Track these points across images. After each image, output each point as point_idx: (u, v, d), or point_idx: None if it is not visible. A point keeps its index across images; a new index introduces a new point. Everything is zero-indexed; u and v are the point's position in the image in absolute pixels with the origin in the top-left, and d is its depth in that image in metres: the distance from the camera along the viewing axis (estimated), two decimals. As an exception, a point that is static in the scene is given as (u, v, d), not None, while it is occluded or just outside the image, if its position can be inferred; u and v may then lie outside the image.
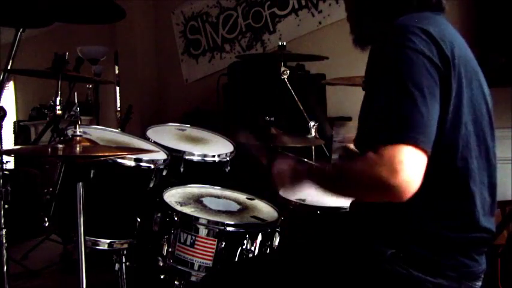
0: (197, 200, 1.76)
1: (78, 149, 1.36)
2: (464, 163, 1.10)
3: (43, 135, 2.81)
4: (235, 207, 1.77)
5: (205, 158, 2.04)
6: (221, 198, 1.84)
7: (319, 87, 3.25)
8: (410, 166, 0.97)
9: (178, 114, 4.00)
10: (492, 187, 1.17)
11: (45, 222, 1.77)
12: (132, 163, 1.72)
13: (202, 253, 1.56)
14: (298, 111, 2.45)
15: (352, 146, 1.47)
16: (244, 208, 1.78)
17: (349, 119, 3.36)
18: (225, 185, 1.95)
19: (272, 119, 2.18)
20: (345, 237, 1.23)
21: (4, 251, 1.82)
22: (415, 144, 0.99)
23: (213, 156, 2.06)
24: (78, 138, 1.40)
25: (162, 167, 1.82)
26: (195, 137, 2.25)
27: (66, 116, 2.28)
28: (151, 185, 1.78)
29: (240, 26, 4.13)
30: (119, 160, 1.69)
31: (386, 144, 0.99)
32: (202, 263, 1.56)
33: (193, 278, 1.56)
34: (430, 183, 1.08)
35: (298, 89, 2.48)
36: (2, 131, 1.93)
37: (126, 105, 3.94)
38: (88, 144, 1.41)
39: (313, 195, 1.89)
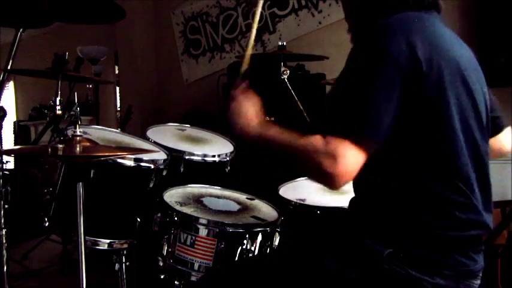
0: (197, 200, 1.76)
1: (78, 149, 1.36)
2: (453, 159, 1.11)
3: (43, 135, 2.81)
4: (235, 207, 1.77)
5: (205, 158, 2.04)
6: (221, 198, 1.84)
7: (319, 87, 3.25)
8: (349, 161, 1.04)
9: (178, 114, 4.00)
10: (484, 183, 1.17)
11: (45, 222, 1.77)
12: (132, 163, 1.72)
13: (202, 253, 1.56)
14: (298, 111, 2.45)
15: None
16: (244, 208, 1.78)
17: (349, 119, 3.36)
18: (225, 185, 1.95)
19: (272, 119, 2.18)
20: (344, 237, 1.23)
21: (4, 251, 1.82)
22: (359, 141, 1.05)
23: (213, 156, 2.06)
24: (78, 138, 1.40)
25: (162, 167, 1.82)
26: (195, 137, 2.26)
27: (66, 116, 2.28)
28: (151, 185, 1.78)
29: (240, 26, 4.13)
30: (119, 160, 1.69)
31: (333, 134, 1.06)
32: (202, 263, 1.56)
33: (193, 278, 1.56)
34: (424, 181, 1.08)
35: (298, 89, 2.47)
36: (2, 131, 1.93)
37: (126, 105, 3.95)
38: (88, 144, 1.41)
39: (313, 195, 1.89)
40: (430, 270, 1.10)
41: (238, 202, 1.82)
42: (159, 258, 1.64)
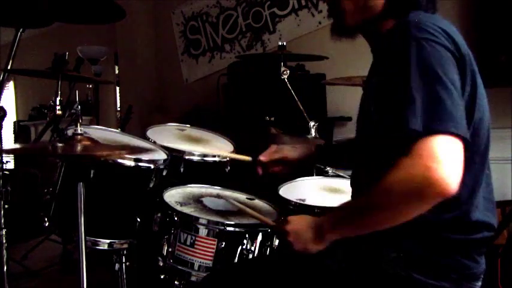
0: (197, 200, 1.76)
1: (78, 147, 1.36)
2: (467, 158, 1.10)
3: (43, 135, 2.80)
4: (235, 207, 1.77)
5: (205, 158, 2.04)
6: (221, 198, 1.84)
7: (319, 87, 3.25)
8: (453, 156, 0.94)
9: (178, 114, 4.00)
10: (487, 183, 1.17)
11: (45, 222, 1.76)
12: (132, 163, 1.72)
13: (202, 253, 1.56)
14: (298, 111, 2.45)
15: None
16: (247, 208, 1.77)
17: (349, 119, 3.36)
18: (225, 185, 1.95)
19: (272, 119, 2.19)
20: (345, 239, 1.22)
21: (4, 251, 1.82)
22: (456, 133, 0.96)
23: (213, 156, 2.06)
24: (78, 137, 1.40)
25: (162, 167, 1.82)
26: (195, 137, 2.25)
27: (66, 115, 2.28)
28: (151, 185, 1.78)
29: (240, 26, 4.13)
30: (119, 160, 1.69)
31: (423, 138, 0.95)
32: (202, 263, 1.56)
33: (193, 278, 1.56)
34: None
35: (298, 89, 2.47)
36: (2, 131, 1.93)
37: (126, 105, 3.94)
38: (89, 143, 1.41)
39: (313, 195, 1.89)
40: (433, 273, 1.10)
41: (238, 202, 1.82)
42: (159, 258, 1.63)
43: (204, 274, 1.53)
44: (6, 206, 1.84)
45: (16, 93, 7.56)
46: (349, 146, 1.59)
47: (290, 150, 1.66)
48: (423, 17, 1.11)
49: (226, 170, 2.10)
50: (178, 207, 1.65)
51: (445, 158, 0.93)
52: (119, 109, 5.43)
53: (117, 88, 5.37)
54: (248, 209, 1.51)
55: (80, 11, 1.93)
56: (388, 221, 1.03)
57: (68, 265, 2.93)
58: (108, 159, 1.68)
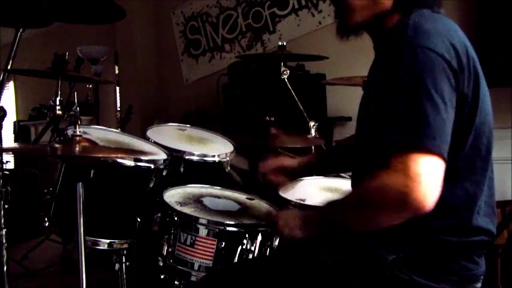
0: (197, 200, 1.76)
1: (78, 148, 1.36)
2: (467, 164, 1.10)
3: (43, 135, 2.80)
4: (235, 207, 1.77)
5: (205, 158, 2.04)
6: (221, 198, 1.84)
7: (319, 87, 3.25)
8: (431, 175, 0.94)
9: (178, 114, 4.00)
10: (492, 188, 1.17)
11: (45, 222, 1.76)
12: (132, 163, 1.72)
13: (202, 253, 1.56)
14: (298, 111, 2.45)
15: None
16: (244, 208, 1.77)
17: (349, 119, 3.37)
18: (225, 185, 1.95)
19: (272, 119, 2.18)
20: (345, 240, 1.22)
21: (4, 251, 1.82)
22: (438, 152, 0.95)
23: (213, 156, 2.06)
24: (78, 138, 1.40)
25: (162, 167, 1.82)
26: (195, 137, 2.25)
27: (66, 116, 2.28)
28: (151, 185, 1.78)
29: (240, 26, 4.13)
30: (119, 160, 1.69)
31: (402, 153, 0.94)
32: (202, 263, 1.56)
33: (193, 278, 1.56)
34: None
35: (298, 89, 2.48)
36: (2, 131, 1.93)
37: (126, 105, 3.95)
38: (87, 144, 1.41)
39: (313, 195, 1.89)
40: (434, 276, 1.09)
41: (238, 202, 1.82)
42: (159, 258, 1.63)
43: (204, 274, 1.53)
44: (6, 206, 1.84)
45: (16, 93, 7.56)
46: (348, 153, 1.60)
47: (289, 160, 1.69)
48: (426, 19, 1.09)
49: (226, 170, 2.10)
50: (178, 207, 1.65)
51: (422, 178, 0.93)
52: (119, 109, 5.43)
53: (117, 88, 5.37)
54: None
55: (80, 11, 1.93)
56: (359, 224, 1.08)
57: (68, 265, 2.93)
58: (108, 159, 1.68)
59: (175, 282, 1.60)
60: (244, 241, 1.56)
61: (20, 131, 6.50)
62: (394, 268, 1.10)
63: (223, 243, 1.54)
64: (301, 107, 2.44)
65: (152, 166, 1.77)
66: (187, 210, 1.64)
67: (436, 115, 0.97)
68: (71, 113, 2.17)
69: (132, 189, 1.78)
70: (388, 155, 0.97)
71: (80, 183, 1.38)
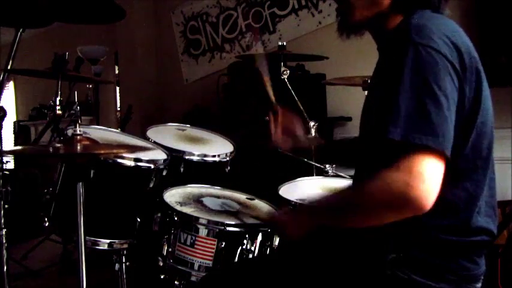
0: (197, 200, 1.76)
1: (78, 147, 1.36)
2: (468, 163, 1.10)
3: (43, 135, 2.81)
4: (235, 207, 1.77)
5: (205, 158, 2.04)
6: (221, 198, 1.84)
7: (319, 87, 3.25)
8: (433, 174, 0.94)
9: (178, 114, 4.00)
10: (493, 188, 1.17)
11: (45, 222, 1.77)
12: (132, 163, 1.72)
13: (202, 253, 1.56)
14: (298, 111, 2.45)
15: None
16: (244, 208, 1.78)
17: (349, 119, 3.36)
18: (225, 185, 1.95)
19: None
20: (345, 240, 1.22)
21: (4, 251, 1.82)
22: (440, 150, 0.96)
23: (213, 156, 2.06)
24: (78, 137, 1.40)
25: (162, 167, 1.82)
26: (195, 137, 2.25)
27: (66, 115, 2.28)
28: (151, 185, 1.78)
29: (240, 26, 4.13)
30: (119, 160, 1.69)
31: (405, 151, 0.95)
32: (202, 263, 1.56)
33: (193, 278, 1.56)
34: None
35: (298, 89, 2.47)
36: (2, 131, 1.93)
37: (126, 105, 3.94)
38: (88, 143, 1.41)
39: (313, 195, 1.89)
40: (433, 275, 1.09)
41: (238, 202, 1.82)
42: (159, 258, 1.64)
43: (204, 274, 1.53)
44: (6, 206, 1.83)
45: (16, 93, 7.56)
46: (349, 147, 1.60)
47: (300, 131, 1.65)
48: (428, 19, 1.09)
49: (226, 170, 2.11)
50: (178, 207, 1.65)
51: (424, 176, 0.93)
52: (119, 109, 5.43)
53: (117, 88, 5.37)
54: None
55: (80, 11, 1.93)
56: (355, 222, 1.08)
57: (68, 265, 2.92)
58: (108, 159, 1.68)
59: (175, 282, 1.60)
60: (244, 241, 1.56)
61: (20, 131, 6.50)
62: (394, 267, 1.10)
63: (223, 243, 1.55)
64: (301, 107, 2.44)
65: (152, 166, 1.78)
66: (187, 210, 1.64)
67: (439, 113, 0.97)
68: (71, 112, 2.18)
69: (132, 189, 1.78)
70: (391, 153, 0.97)
71: (80, 183, 1.38)
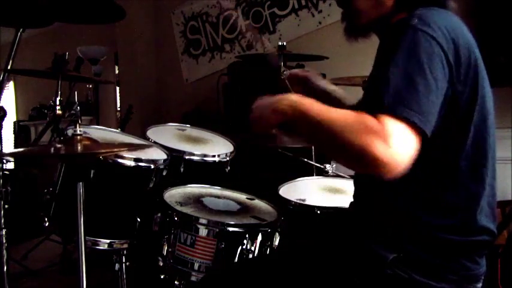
0: (197, 200, 1.76)
1: (79, 147, 1.36)
2: (469, 163, 1.10)
3: (43, 135, 2.80)
4: (235, 207, 1.77)
5: (205, 158, 2.04)
6: (221, 198, 1.84)
7: (319, 87, 3.24)
8: (403, 144, 0.95)
9: (178, 114, 4.00)
10: (495, 188, 1.17)
11: (45, 222, 1.76)
12: (132, 163, 1.72)
13: (202, 253, 1.56)
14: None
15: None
16: (244, 208, 1.78)
17: (349, 119, 3.36)
18: (225, 185, 1.95)
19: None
20: (346, 240, 1.22)
21: (4, 251, 1.82)
22: (421, 128, 0.96)
23: (213, 156, 2.06)
24: (78, 137, 1.40)
25: (162, 167, 1.82)
26: (195, 137, 2.25)
27: (66, 115, 2.28)
28: (151, 185, 1.78)
29: (240, 26, 4.13)
30: (119, 160, 1.69)
31: (389, 114, 0.95)
32: (202, 263, 1.56)
33: (193, 278, 1.56)
34: (431, 184, 1.07)
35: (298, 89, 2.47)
36: (2, 131, 1.93)
37: (126, 105, 3.95)
38: (89, 142, 1.41)
39: (313, 195, 1.89)
40: (434, 275, 1.09)
41: (238, 202, 1.82)
42: (159, 258, 1.64)
43: (204, 274, 1.53)
44: (6, 206, 1.83)
45: (16, 93, 7.56)
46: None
47: (318, 79, 1.66)
48: (432, 12, 1.10)
49: (226, 170, 2.11)
50: (178, 207, 1.65)
51: (392, 140, 0.93)
52: (119, 109, 5.43)
53: (117, 88, 5.37)
54: None
55: (80, 11, 1.93)
56: (326, 145, 1.07)
57: (68, 265, 2.93)
58: (108, 158, 1.68)
59: (175, 282, 1.60)
60: (244, 241, 1.56)
61: (20, 131, 6.49)
62: (395, 267, 1.10)
63: (223, 243, 1.55)
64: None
65: (152, 166, 1.78)
66: (187, 210, 1.64)
67: (427, 95, 0.99)
68: (71, 112, 2.18)
69: (132, 189, 1.78)
70: (377, 108, 0.98)
71: (80, 183, 1.38)
